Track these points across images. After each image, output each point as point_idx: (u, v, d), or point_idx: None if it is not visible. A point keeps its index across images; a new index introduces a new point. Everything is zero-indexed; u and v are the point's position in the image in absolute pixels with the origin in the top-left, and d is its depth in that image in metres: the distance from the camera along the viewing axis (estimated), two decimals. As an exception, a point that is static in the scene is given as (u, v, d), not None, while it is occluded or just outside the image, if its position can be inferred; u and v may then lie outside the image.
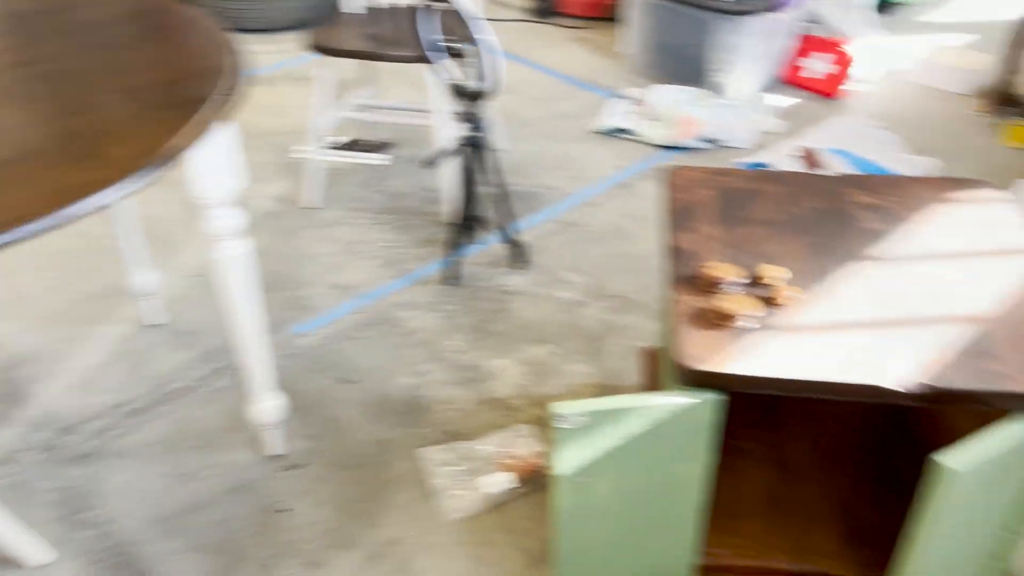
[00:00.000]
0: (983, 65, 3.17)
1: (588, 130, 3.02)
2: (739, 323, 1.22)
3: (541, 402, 1.88)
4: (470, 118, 2.03)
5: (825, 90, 3.18)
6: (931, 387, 1.12)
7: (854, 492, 1.52)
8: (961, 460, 1.06)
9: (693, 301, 1.27)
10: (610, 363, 1.98)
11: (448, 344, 2.04)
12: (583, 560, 1.33)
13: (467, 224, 2.18)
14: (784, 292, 1.26)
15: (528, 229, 2.47)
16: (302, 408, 1.87)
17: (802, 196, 1.52)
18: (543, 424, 1.82)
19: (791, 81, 3.26)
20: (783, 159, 2.69)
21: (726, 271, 1.28)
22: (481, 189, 2.23)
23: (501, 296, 2.20)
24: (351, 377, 1.95)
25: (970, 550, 1.24)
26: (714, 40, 3.04)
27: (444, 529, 1.60)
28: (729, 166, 2.57)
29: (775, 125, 2.96)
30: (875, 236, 1.41)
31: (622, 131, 2.97)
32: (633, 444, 1.19)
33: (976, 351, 1.17)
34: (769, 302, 1.27)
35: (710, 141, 2.86)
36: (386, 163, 2.77)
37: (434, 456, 1.73)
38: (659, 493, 1.26)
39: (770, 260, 1.36)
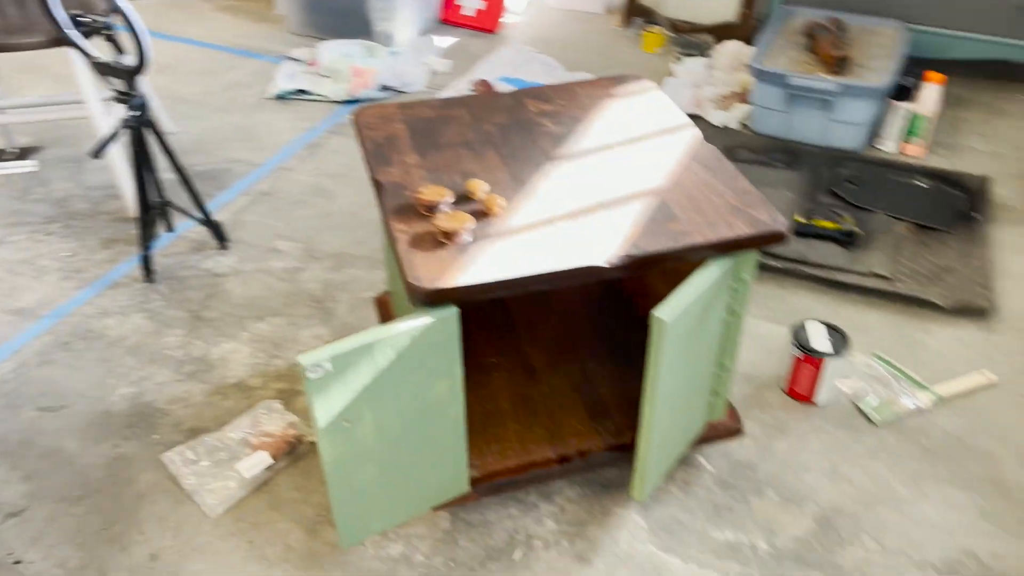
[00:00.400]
0: (611, -16, 3.50)
1: (263, 97, 2.90)
2: (460, 239, 1.26)
3: (282, 376, 1.82)
4: (128, 99, 1.86)
5: (484, 25, 3.33)
6: (632, 256, 1.24)
7: (591, 374, 1.65)
8: (670, 311, 1.19)
9: (413, 228, 1.29)
10: (344, 320, 1.96)
11: (165, 342, 1.90)
12: (363, 503, 1.32)
13: (150, 214, 2.02)
14: (493, 203, 1.32)
15: (224, 206, 2.35)
16: (6, 451, 1.65)
17: (486, 115, 1.59)
18: (288, 396, 1.76)
19: (451, 21, 3.37)
20: (461, 94, 2.78)
21: (437, 193, 1.32)
22: (159, 174, 2.07)
23: (211, 280, 2.08)
24: (58, 403, 1.75)
25: (693, 391, 1.41)
26: (368, -10, 3.04)
27: (209, 527, 1.51)
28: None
29: (444, 65, 3.05)
30: (558, 138, 1.52)
31: (299, 92, 2.89)
32: (385, 376, 1.20)
33: (661, 219, 1.31)
34: (481, 215, 1.32)
35: (387, 89, 2.89)
36: (32, 169, 2.47)
37: (180, 457, 1.61)
38: (421, 417, 1.29)
39: (470, 176, 1.41)
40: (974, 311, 1.94)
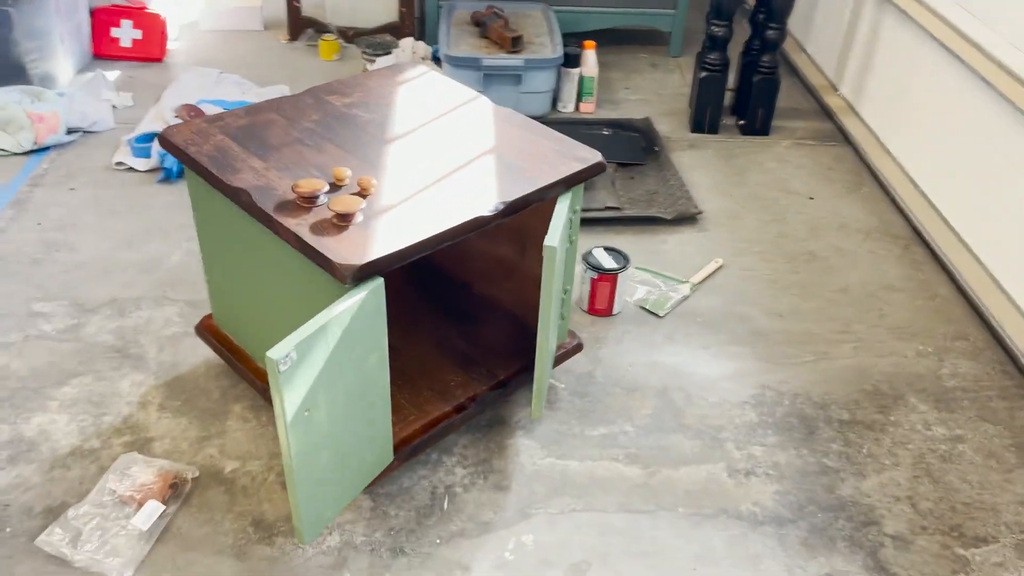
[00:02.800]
0: (258, 1, 3.53)
1: (-82, 165, 2.51)
2: (356, 219, 1.34)
3: (121, 429, 1.69)
4: None
5: (148, 54, 3.18)
6: (507, 203, 1.43)
7: (444, 337, 1.80)
8: (554, 238, 1.40)
9: (303, 220, 1.34)
10: (160, 359, 1.85)
11: (-43, 435, 1.65)
12: (320, 493, 1.35)
13: None
14: (367, 183, 1.41)
15: (-59, 286, 2.04)
16: None
17: (297, 115, 1.65)
18: (140, 445, 1.65)
19: (108, 54, 3.17)
20: (169, 121, 2.67)
21: (313, 185, 1.37)
22: None
23: (-24, 361, 1.83)
24: None
25: (554, 313, 1.64)
26: (13, 32, 2.75)
27: (123, 592, 1.40)
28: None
29: (124, 99, 2.89)
30: (379, 124, 1.64)
31: (-35, 152, 2.55)
32: (332, 357, 1.25)
33: (512, 171, 1.51)
34: (359, 196, 1.41)
35: (75, 131, 2.66)
36: None
37: (56, 537, 1.45)
38: (359, 392, 1.35)
39: (319, 168, 1.48)
40: (689, 218, 2.42)
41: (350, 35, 3.40)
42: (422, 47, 3.21)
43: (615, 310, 2.06)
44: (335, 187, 1.43)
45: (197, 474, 1.59)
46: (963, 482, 1.67)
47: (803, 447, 1.73)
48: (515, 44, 2.90)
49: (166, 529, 1.50)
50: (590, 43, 2.97)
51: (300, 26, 3.43)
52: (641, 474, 1.66)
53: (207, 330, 1.79)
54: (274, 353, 1.15)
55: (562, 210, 1.48)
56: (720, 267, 2.24)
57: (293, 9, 3.40)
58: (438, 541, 1.51)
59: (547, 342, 1.50)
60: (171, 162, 2.47)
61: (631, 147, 2.73)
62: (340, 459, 1.37)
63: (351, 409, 1.35)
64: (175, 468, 1.58)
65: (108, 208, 2.36)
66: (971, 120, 2.23)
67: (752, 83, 2.81)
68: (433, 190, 1.45)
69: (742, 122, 2.90)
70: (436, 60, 3.21)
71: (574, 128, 2.82)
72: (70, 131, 2.65)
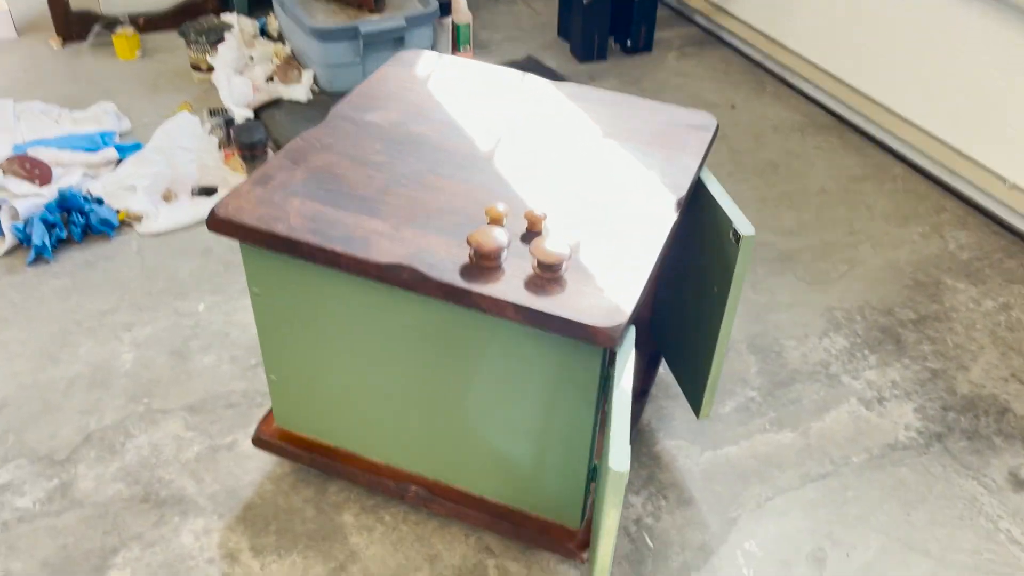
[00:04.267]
0: (3, 4, 2.79)
1: None
2: (564, 268, 1.09)
3: (219, 599, 1.29)
4: None
5: None
6: (682, 197, 1.23)
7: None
8: (748, 225, 1.24)
9: (499, 284, 1.05)
10: (209, 492, 1.44)
11: None
12: None
13: None
14: (535, 218, 1.14)
15: None
16: None
17: (356, 148, 1.29)
18: (265, 609, 1.28)
19: None
20: (6, 178, 2.03)
21: (494, 238, 1.08)
22: None
23: (-45, 583, 1.30)
24: None
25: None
26: None
27: None
28: None
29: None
30: (454, 138, 1.34)
31: None
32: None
33: (650, 158, 1.31)
34: (532, 232, 1.14)
35: None
36: None
37: None
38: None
39: (458, 210, 1.18)
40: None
41: (140, 24, 2.79)
42: (248, 24, 2.72)
43: (651, 272, 1.93)
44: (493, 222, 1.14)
45: (368, 618, 1.27)
46: (1037, 346, 1.79)
47: (903, 357, 1.75)
48: (377, 3, 2.55)
49: None
50: (456, -12, 2.68)
51: (72, 24, 2.76)
52: (797, 437, 1.59)
53: (274, 436, 1.41)
54: (619, 464, 0.90)
55: (722, 191, 1.31)
56: (708, 198, 2.18)
57: (59, 4, 2.71)
58: (672, 585, 1.35)
59: (727, 337, 1.35)
60: (38, 235, 1.89)
61: (541, 92, 2.53)
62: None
63: (612, 486, 1.12)
64: (339, 622, 1.25)
65: (-15, 317, 1.77)
66: None
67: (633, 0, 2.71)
68: (598, 203, 1.21)
69: (628, 42, 2.80)
70: (264, 35, 2.75)
71: (473, 84, 2.56)
72: None
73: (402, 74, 1.49)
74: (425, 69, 1.51)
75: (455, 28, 2.67)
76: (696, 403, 1.46)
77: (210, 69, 2.54)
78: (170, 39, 2.76)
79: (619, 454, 0.91)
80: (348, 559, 1.35)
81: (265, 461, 1.49)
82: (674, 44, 2.89)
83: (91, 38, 2.76)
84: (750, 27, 2.80)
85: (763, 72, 2.73)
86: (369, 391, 1.27)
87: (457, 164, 1.27)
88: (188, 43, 2.57)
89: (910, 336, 1.80)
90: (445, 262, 1.08)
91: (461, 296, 1.05)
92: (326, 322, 1.22)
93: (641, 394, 1.51)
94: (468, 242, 1.08)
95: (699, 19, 2.97)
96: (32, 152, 2.10)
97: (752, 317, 1.83)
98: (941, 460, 1.55)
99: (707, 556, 1.38)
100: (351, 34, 2.42)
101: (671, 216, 1.19)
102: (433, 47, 2.67)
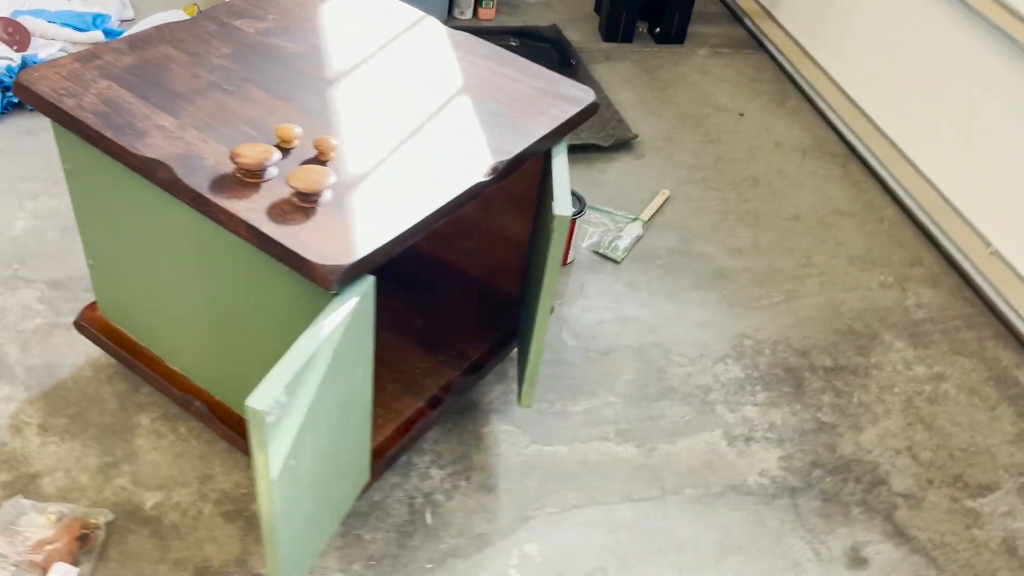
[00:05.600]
0: None
1: None
2: (324, 197, 1.03)
3: (-10, 464, 1.31)
4: None
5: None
6: (503, 162, 1.15)
7: (396, 314, 1.51)
8: (564, 205, 1.14)
9: (251, 201, 1.01)
10: (28, 364, 1.46)
11: None
12: (300, 544, 1.07)
13: None
14: (326, 146, 1.09)
15: None
16: None
17: (203, 49, 1.26)
18: (26, 484, 1.29)
19: None
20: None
21: (261, 153, 1.03)
22: None
23: None
24: None
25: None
26: None
27: None
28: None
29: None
30: (308, 58, 1.29)
31: None
32: (321, 383, 0.96)
33: (495, 117, 1.22)
34: (318, 162, 1.08)
35: None
36: None
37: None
38: (344, 417, 1.07)
39: (254, 123, 1.13)
40: (624, 143, 2.20)
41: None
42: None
43: (571, 257, 1.83)
44: (283, 151, 1.09)
45: (111, 517, 1.26)
46: (954, 425, 1.61)
47: (795, 402, 1.60)
48: (403, -61, 2.50)
49: (85, 596, 1.18)
50: (486, -61, 2.61)
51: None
52: (637, 453, 1.48)
53: (93, 324, 1.41)
54: (258, 402, 0.84)
55: (562, 166, 1.21)
56: (667, 199, 2.05)
57: None
58: (429, 566, 1.27)
59: (547, 320, 1.26)
60: (-8, 94, 1.96)
61: (544, 61, 2.45)
62: (322, 498, 1.09)
63: (335, 440, 1.06)
64: (79, 513, 1.24)
65: (-85, 159, 1.84)
66: (908, 21, 2.12)
67: (668, -14, 2.57)
68: (409, 149, 1.14)
69: (657, 29, 2.67)
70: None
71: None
72: None
73: (304, -9, 1.45)
74: (331, -9, 1.46)
75: (479, -19, 2.61)
76: (520, 390, 1.38)
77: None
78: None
79: (264, 392, 0.85)
80: (125, 458, 1.34)
81: (95, 348, 1.49)
82: (710, 41, 2.73)
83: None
84: (788, 34, 2.62)
85: (790, 84, 2.55)
86: (163, 293, 1.25)
87: (293, 83, 1.22)
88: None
89: (814, 383, 1.65)
90: (206, 169, 1.04)
91: (203, 204, 1.01)
92: (121, 213, 1.20)
93: (476, 368, 1.43)
94: (231, 153, 1.03)
95: (747, 21, 2.80)
96: (21, 19, 2.16)
97: (653, 325, 1.71)
98: (782, 515, 1.41)
99: (480, 547, 1.31)
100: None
101: (473, 178, 1.11)
102: (452, -4, 2.62)
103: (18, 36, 2.10)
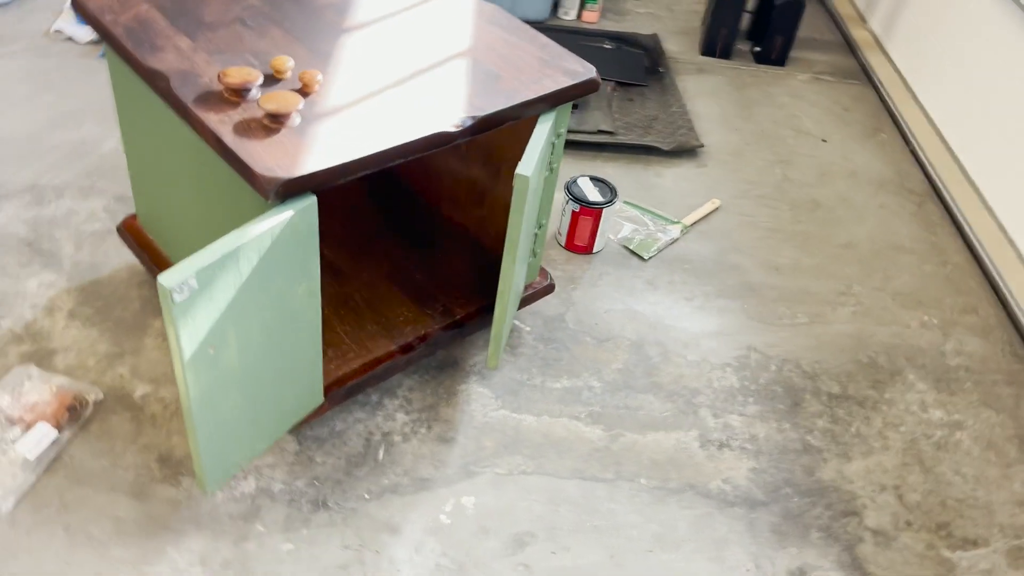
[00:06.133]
0: None
1: None
2: (291, 121, 1.12)
3: (20, 337, 1.49)
4: None
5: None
6: (476, 118, 1.20)
7: (400, 264, 1.59)
8: (528, 166, 1.18)
9: (228, 116, 1.11)
10: (75, 259, 1.64)
11: None
12: (227, 438, 1.16)
13: None
14: (311, 79, 1.18)
15: None
16: None
17: (243, -11, 1.39)
18: (40, 357, 1.46)
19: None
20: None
21: (245, 75, 1.14)
22: None
23: None
24: None
25: (527, 250, 1.43)
26: None
27: (5, 527, 1.22)
28: None
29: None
30: (337, 8, 1.39)
31: None
32: (247, 287, 1.05)
33: (486, 79, 1.28)
34: (300, 92, 1.18)
35: (16, -11, 2.37)
36: None
37: (-75, 458, 1.27)
38: (281, 328, 1.15)
39: (262, 54, 1.24)
40: (689, 151, 2.19)
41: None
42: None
43: (596, 248, 1.85)
44: (273, 80, 1.19)
45: (101, 397, 1.40)
46: (956, 474, 1.51)
47: (785, 420, 1.55)
48: (517, -64, 2.60)
49: (58, 458, 1.31)
50: (600, -56, 2.67)
51: None
52: (603, 436, 1.48)
53: (129, 231, 1.57)
54: (167, 279, 0.94)
55: (542, 133, 1.25)
56: (716, 209, 2.03)
57: None
58: (367, 496, 1.34)
59: (511, 284, 1.30)
60: (118, 34, 2.20)
61: (634, 65, 2.47)
62: (255, 401, 1.18)
63: (272, 347, 1.15)
64: (75, 387, 1.39)
65: (41, 81, 2.10)
66: (1012, 68, 1.99)
67: (773, 5, 2.54)
68: (391, 94, 1.21)
69: (757, 49, 2.63)
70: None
71: (573, 38, 2.55)
72: (8, -12, 2.36)
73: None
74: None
75: (586, -16, 2.66)
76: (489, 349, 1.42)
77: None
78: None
79: (175, 272, 0.94)
80: (130, 352, 1.49)
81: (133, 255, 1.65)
82: (814, 67, 2.66)
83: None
84: (895, 68, 2.51)
85: (886, 119, 2.45)
86: (173, 203, 1.38)
87: (310, 27, 1.33)
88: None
89: (813, 406, 1.59)
90: (199, 85, 1.15)
91: (186, 114, 1.12)
92: (143, 124, 1.34)
93: (457, 326, 1.49)
94: (219, 72, 1.14)
95: (859, 52, 2.71)
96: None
97: (660, 323, 1.71)
98: (734, 523, 1.38)
99: (419, 489, 1.36)
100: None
101: (438, 127, 1.17)
102: (558, -4, 2.69)
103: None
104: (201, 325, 1.00)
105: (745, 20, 2.72)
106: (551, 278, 1.63)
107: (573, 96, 1.31)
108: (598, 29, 2.66)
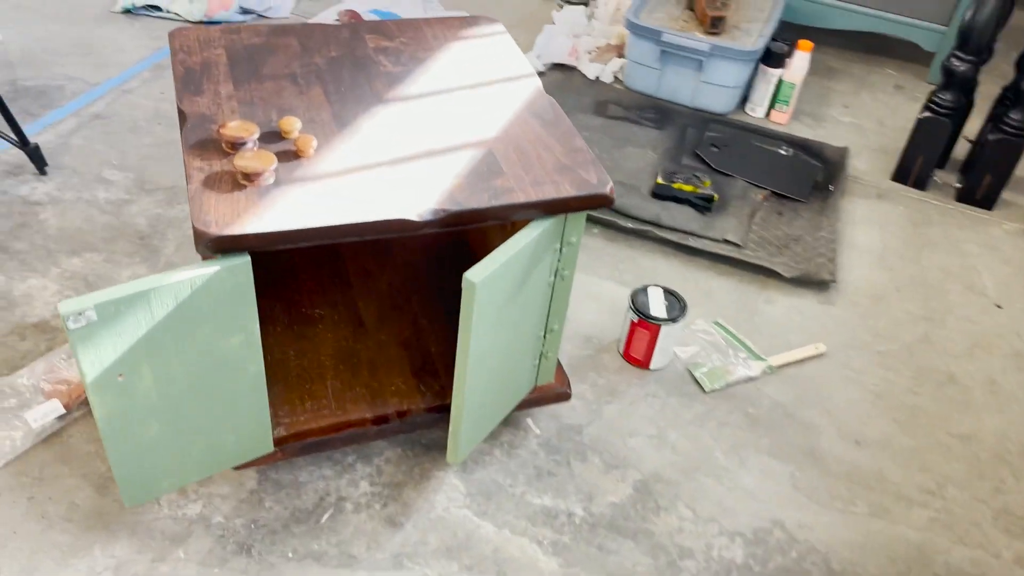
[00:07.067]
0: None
1: (110, 10, 2.66)
2: (262, 181, 1.16)
3: (91, 315, 1.67)
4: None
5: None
6: (447, 211, 1.16)
7: (422, 331, 1.58)
8: (481, 272, 1.12)
9: (212, 166, 1.17)
10: (170, 259, 1.82)
11: (-39, 273, 1.72)
12: (148, 461, 1.22)
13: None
14: (305, 143, 1.21)
15: (50, 127, 2.14)
16: None
17: (318, 47, 1.47)
18: (96, 338, 1.63)
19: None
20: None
21: (244, 129, 1.20)
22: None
23: (24, 208, 1.90)
24: None
25: (516, 354, 1.36)
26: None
27: (-12, 480, 1.38)
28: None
29: (315, -9, 2.87)
30: (391, 78, 1.42)
31: (150, 8, 2.67)
32: (164, 328, 1.09)
33: (486, 172, 1.23)
34: (292, 156, 1.22)
35: (247, 12, 2.69)
36: None
37: (-40, 403, 1.47)
38: (212, 373, 1.19)
39: (289, 113, 1.29)
40: (816, 282, 1.96)
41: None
42: (629, 5, 2.87)
43: (654, 364, 1.71)
44: (275, 137, 1.24)
45: (119, 388, 1.53)
46: None
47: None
48: (715, 24, 2.49)
49: (57, 434, 1.46)
50: (806, 44, 2.47)
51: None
52: (556, 572, 1.36)
53: (205, 246, 1.71)
54: (66, 306, 1.01)
55: (520, 242, 1.18)
56: (819, 355, 1.79)
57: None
58: (290, 555, 1.34)
59: (464, 385, 1.24)
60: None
61: (802, 178, 2.26)
62: (182, 435, 1.22)
63: (201, 388, 1.19)
64: (103, 375, 1.53)
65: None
66: None
67: (987, 140, 2.20)
68: (376, 172, 1.21)
69: (959, 185, 2.29)
70: (643, 22, 2.86)
71: (747, 136, 2.39)
72: (244, 11, 2.68)
73: (455, 27, 1.58)
74: (477, 34, 1.57)
75: (779, 83, 2.49)
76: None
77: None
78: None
79: (74, 302, 1.01)
80: (165, 353, 1.61)
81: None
82: (1030, 218, 2.27)
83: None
84: (1124, 241, 2.06)
85: (1097, 299, 2.02)
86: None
87: (351, 93, 1.36)
88: (559, -6, 2.84)
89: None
90: (208, 131, 1.23)
91: (184, 154, 1.20)
92: (202, 156, 1.45)
93: (444, 409, 1.44)
94: (219, 124, 1.21)
95: (1098, 210, 2.26)
96: (363, 15, 2.61)
97: (685, 466, 1.53)
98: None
99: (340, 566, 1.33)
100: (654, 37, 2.44)
101: (400, 214, 1.14)
102: (747, 91, 2.53)
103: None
104: (106, 353, 1.06)
105: (962, 147, 2.39)
106: (569, 385, 1.53)
107: (572, 208, 1.23)
108: (783, 132, 2.47)
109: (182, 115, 1.26)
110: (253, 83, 1.35)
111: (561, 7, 2.82)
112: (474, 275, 1.12)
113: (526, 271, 1.23)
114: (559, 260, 1.31)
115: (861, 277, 2.01)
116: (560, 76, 2.58)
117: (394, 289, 1.65)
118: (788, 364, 1.76)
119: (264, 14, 2.70)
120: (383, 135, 1.28)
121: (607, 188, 1.24)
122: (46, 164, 1.98)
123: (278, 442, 1.36)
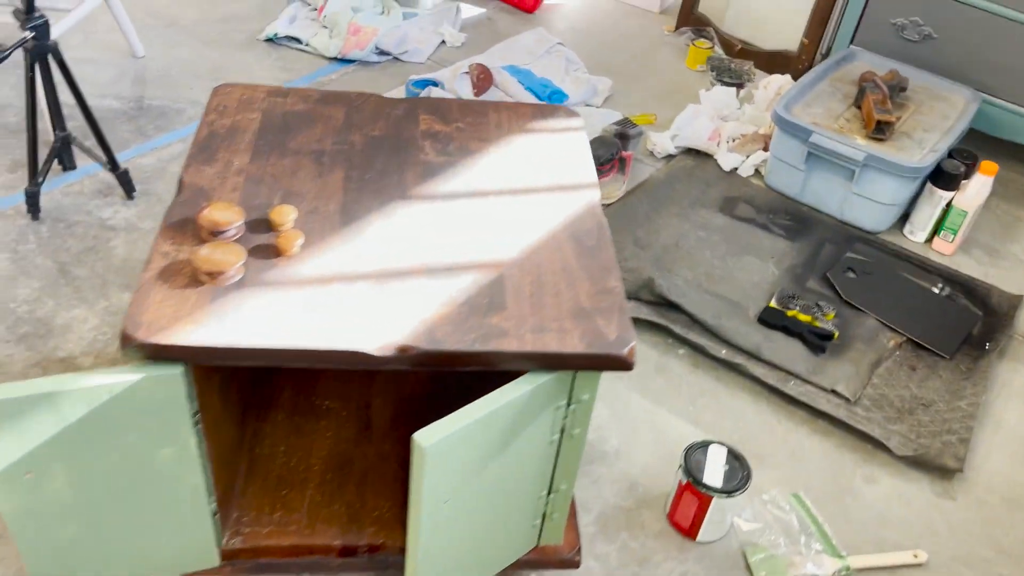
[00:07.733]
0: (675, -18, 3.13)
1: (256, 37, 2.68)
2: (227, 279, 1.02)
3: (119, 360, 1.61)
4: (25, 18, 1.66)
5: (522, 3, 3.02)
6: (416, 350, 0.97)
7: (430, 449, 1.39)
8: (432, 434, 0.92)
9: (180, 252, 1.05)
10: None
11: (15, 293, 1.72)
12: (64, 561, 1.10)
13: (54, 143, 1.83)
14: (289, 241, 1.06)
15: (155, 150, 2.15)
16: None
17: (364, 123, 1.32)
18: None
19: (488, -9, 3.07)
20: (457, 76, 2.50)
21: (224, 218, 1.07)
22: (58, 105, 1.87)
23: (98, 232, 1.89)
24: None
25: (501, 516, 1.14)
26: (395, -59, 2.77)
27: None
28: (294, 86, 2.36)
29: (458, 38, 2.77)
30: (427, 169, 1.25)
31: (292, 39, 2.66)
32: (78, 432, 0.97)
33: (484, 305, 1.03)
34: (272, 251, 1.07)
35: (383, 54, 2.63)
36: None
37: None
38: (141, 482, 1.06)
39: (297, 197, 1.15)
40: (937, 468, 1.59)
41: (736, 49, 2.86)
42: (771, 93, 2.57)
43: (703, 536, 1.43)
44: (267, 227, 1.10)
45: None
46: None
47: None
48: (879, 130, 2.15)
49: None
50: (989, 166, 2.08)
51: (687, 21, 2.98)
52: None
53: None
54: None
55: (495, 400, 0.97)
56: (917, 565, 1.44)
57: (689, 3, 2.95)
58: None
59: (417, 544, 1.04)
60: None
61: (952, 326, 1.88)
62: (108, 540, 1.10)
63: (128, 496, 1.06)
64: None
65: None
66: None
67: None
68: (358, 287, 1.04)
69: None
70: (806, 111, 2.55)
71: (895, 264, 2.03)
72: (380, 52, 2.62)
73: (528, 116, 1.39)
74: (550, 127, 1.37)
75: (948, 208, 2.11)
76: None
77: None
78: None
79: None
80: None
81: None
82: None
83: (681, 36, 2.95)
84: None
85: None
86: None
87: (374, 182, 1.21)
88: (710, 69, 2.58)
89: None
90: (195, 208, 1.11)
91: (160, 231, 1.08)
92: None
93: (423, 555, 1.25)
94: (200, 207, 1.08)
95: None
96: (496, 72, 2.48)
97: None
98: None
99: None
100: (802, 135, 2.13)
101: (360, 346, 0.96)
102: (909, 209, 2.17)
103: (480, 80, 2.42)
104: (11, 449, 0.95)
105: None
106: (579, 551, 1.29)
107: (576, 366, 1.00)
108: (943, 265, 2.09)
109: (180, 185, 1.15)
110: (273, 157, 1.22)
111: (713, 85, 2.56)
112: (424, 437, 0.92)
113: (511, 430, 1.02)
114: (565, 418, 1.09)
115: (998, 470, 1.62)
116: (691, 162, 2.32)
117: (416, 394, 1.48)
118: (872, 569, 1.42)
119: (400, 57, 2.63)
120: (385, 240, 1.11)
121: (625, 349, 1.00)
122: (134, 189, 1.98)
123: (228, 555, 1.21)
